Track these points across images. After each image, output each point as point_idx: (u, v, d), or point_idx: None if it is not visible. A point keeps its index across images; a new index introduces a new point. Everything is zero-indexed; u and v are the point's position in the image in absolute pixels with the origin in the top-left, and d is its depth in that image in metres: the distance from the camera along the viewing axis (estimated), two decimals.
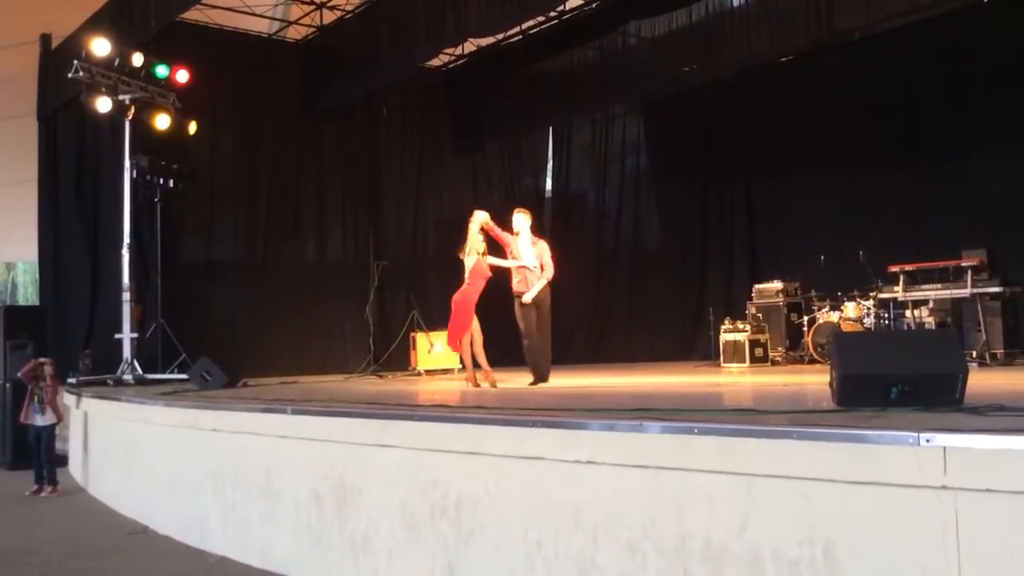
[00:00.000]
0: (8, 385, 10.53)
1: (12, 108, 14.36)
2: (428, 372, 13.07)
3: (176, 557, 6.66)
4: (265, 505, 6.24)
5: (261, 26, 14.54)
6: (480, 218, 8.82)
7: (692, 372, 11.11)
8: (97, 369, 11.52)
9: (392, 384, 10.82)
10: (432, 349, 13.18)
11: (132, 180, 11.49)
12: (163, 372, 11.29)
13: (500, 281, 9.09)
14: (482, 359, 8.77)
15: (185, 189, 12.38)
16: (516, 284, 8.92)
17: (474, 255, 8.73)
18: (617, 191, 16.72)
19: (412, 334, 13.49)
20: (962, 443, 3.02)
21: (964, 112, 11.70)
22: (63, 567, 6.38)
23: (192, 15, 12.68)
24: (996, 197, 11.56)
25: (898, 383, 3.86)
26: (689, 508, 3.74)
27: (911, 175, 12.29)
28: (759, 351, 11.82)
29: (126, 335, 11.20)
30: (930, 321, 10.08)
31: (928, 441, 3.07)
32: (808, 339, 11.72)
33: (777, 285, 12.53)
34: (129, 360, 11.09)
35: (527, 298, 8.75)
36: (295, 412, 6.06)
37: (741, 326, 11.99)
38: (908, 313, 10.22)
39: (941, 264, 9.95)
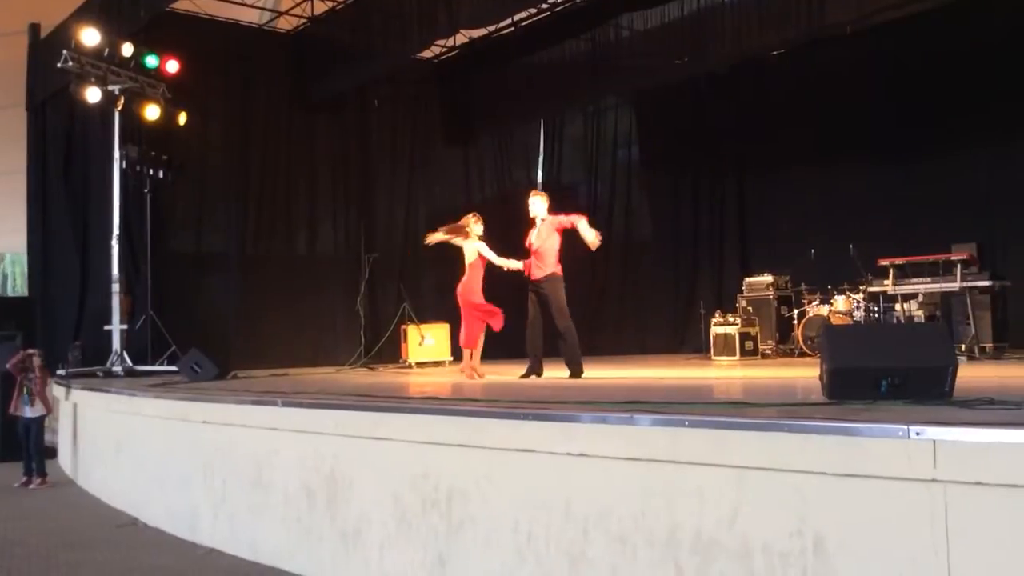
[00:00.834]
0: None
1: (0, 98, 14.28)
2: (419, 364, 13.06)
3: (166, 549, 6.65)
4: (255, 497, 6.23)
5: (252, 16, 14.47)
6: (477, 232, 8.79)
7: (683, 365, 11.13)
8: (86, 361, 11.49)
9: (383, 376, 10.80)
10: (423, 341, 13.17)
11: (122, 171, 11.44)
12: (153, 364, 11.26)
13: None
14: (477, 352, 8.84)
15: (175, 180, 12.34)
16: (534, 272, 8.51)
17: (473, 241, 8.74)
18: (609, 183, 16.71)
19: (403, 326, 13.47)
20: (951, 436, 3.03)
21: (955, 106, 11.71)
22: (52, 559, 6.36)
23: (182, 5, 12.60)
24: (986, 191, 11.62)
25: (888, 376, 3.88)
26: (680, 500, 3.74)
27: (902, 169, 12.33)
28: (749, 344, 11.84)
29: (115, 327, 11.16)
30: (919, 315, 10.11)
31: (918, 434, 3.07)
32: (798, 332, 11.76)
33: (767, 278, 12.55)
34: (119, 352, 11.05)
35: (590, 239, 8.20)
36: (285, 404, 6.04)
37: (732, 319, 12.01)
38: (898, 307, 10.26)
39: (931, 258, 9.98)
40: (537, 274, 8.50)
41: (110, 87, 11.15)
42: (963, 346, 9.38)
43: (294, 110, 14.49)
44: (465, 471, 4.69)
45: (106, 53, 11.18)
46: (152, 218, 12.19)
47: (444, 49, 15.66)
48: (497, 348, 10.84)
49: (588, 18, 13.54)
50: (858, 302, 11.13)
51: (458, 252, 8.92)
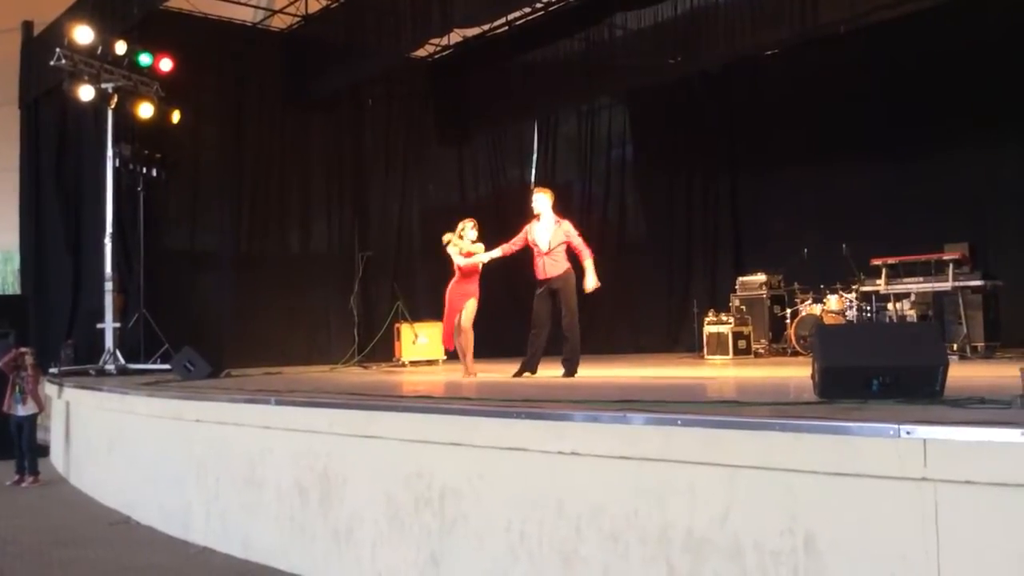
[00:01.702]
0: None
1: None
2: (412, 363, 13.07)
3: (158, 547, 6.65)
4: (248, 496, 6.23)
5: (245, 14, 14.45)
6: (471, 237, 8.85)
7: (676, 364, 11.15)
8: (79, 359, 11.48)
9: (376, 375, 10.81)
10: (416, 340, 13.18)
11: (115, 169, 11.40)
12: (146, 362, 11.23)
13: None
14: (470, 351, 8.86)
15: (168, 178, 12.31)
16: (539, 271, 8.50)
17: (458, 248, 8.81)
18: (602, 183, 16.71)
19: (397, 325, 13.48)
20: (942, 435, 3.04)
21: (948, 106, 11.73)
22: (45, 557, 6.35)
23: (176, 3, 12.60)
24: (979, 191, 11.64)
25: (879, 375, 3.89)
26: (672, 499, 3.75)
27: (895, 169, 12.35)
28: (742, 343, 11.86)
29: (108, 325, 11.13)
30: (911, 314, 10.12)
31: (909, 433, 3.08)
32: (791, 331, 11.78)
33: (760, 278, 12.57)
34: (111, 350, 11.02)
35: (590, 285, 8.34)
36: (279, 403, 6.04)
37: (725, 318, 12.03)
38: (890, 306, 10.27)
39: (923, 258, 10.00)
40: (553, 271, 8.43)
41: (103, 85, 11.11)
42: (955, 345, 9.40)
43: (288, 109, 14.46)
44: (458, 470, 4.70)
45: (99, 51, 11.15)
46: (145, 216, 12.16)
47: (438, 48, 15.65)
48: (494, 347, 10.87)
49: (582, 17, 13.55)
50: (851, 301, 11.17)
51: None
